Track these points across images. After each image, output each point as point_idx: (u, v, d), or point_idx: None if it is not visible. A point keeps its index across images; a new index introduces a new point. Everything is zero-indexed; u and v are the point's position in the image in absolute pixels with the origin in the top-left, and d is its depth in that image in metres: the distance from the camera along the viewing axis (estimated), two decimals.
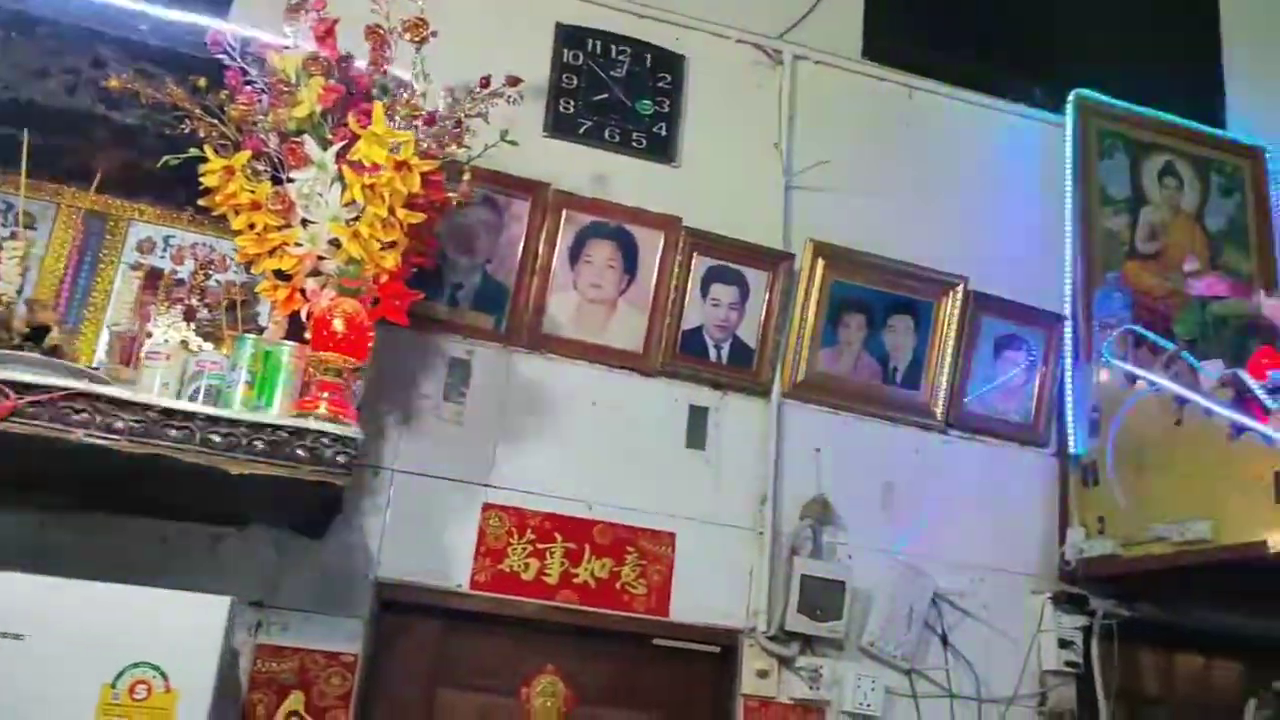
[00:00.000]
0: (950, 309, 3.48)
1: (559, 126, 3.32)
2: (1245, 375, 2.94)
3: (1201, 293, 3.49)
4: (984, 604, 3.33)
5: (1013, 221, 3.72)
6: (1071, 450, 3.49)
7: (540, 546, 2.99)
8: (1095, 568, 3.30)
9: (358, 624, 2.79)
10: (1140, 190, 3.89)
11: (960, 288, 3.49)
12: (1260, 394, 2.87)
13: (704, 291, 3.28)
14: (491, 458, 3.03)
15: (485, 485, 3.01)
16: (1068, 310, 3.62)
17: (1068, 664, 3.28)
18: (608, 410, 3.16)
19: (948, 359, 3.46)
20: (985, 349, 3.54)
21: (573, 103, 3.35)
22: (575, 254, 3.19)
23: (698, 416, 3.23)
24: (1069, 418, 3.51)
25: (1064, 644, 3.30)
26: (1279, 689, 3.48)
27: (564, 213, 3.18)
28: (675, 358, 3.23)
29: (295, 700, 2.69)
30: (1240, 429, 2.89)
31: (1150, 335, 3.35)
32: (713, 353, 3.28)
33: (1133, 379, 3.31)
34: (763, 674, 3.05)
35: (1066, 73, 3.92)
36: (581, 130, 3.34)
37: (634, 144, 3.38)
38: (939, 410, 3.44)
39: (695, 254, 3.27)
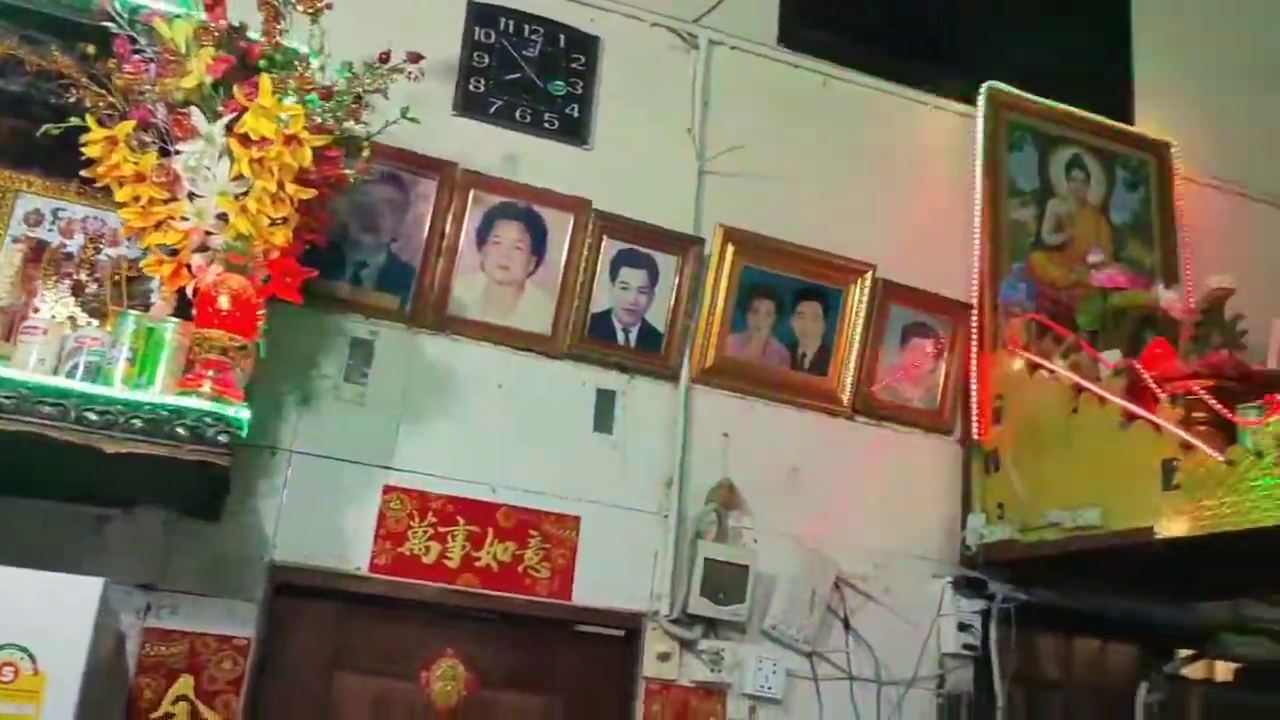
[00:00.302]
0: (859, 296, 3.51)
1: (469, 105, 3.28)
2: (1138, 366, 3.00)
3: (1103, 284, 3.56)
4: (886, 588, 3.37)
5: (923, 210, 3.76)
6: (974, 437, 3.54)
7: (442, 529, 2.97)
8: (994, 553, 3.35)
9: (251, 607, 2.75)
10: (1048, 182, 3.95)
11: (869, 275, 3.52)
12: (1151, 384, 2.93)
13: (613, 275, 3.27)
14: (393, 439, 2.99)
15: (386, 467, 2.97)
16: (975, 299, 3.66)
17: (966, 647, 3.34)
18: (513, 393, 3.14)
19: (855, 345, 3.50)
20: (893, 336, 3.58)
21: (483, 81, 3.31)
22: (483, 235, 3.16)
23: (605, 400, 3.22)
24: (973, 405, 3.57)
25: (963, 627, 3.35)
26: (1170, 672, 3.57)
27: (472, 193, 3.15)
28: (583, 341, 3.21)
29: (184, 684, 2.64)
30: (1132, 417, 2.95)
31: (1052, 324, 3.40)
32: (621, 336, 3.27)
33: (1034, 367, 3.37)
34: (664, 657, 3.06)
35: (980, 65, 3.97)
36: (492, 110, 3.30)
37: (545, 125, 3.35)
38: (846, 396, 3.48)
39: (605, 237, 3.26)
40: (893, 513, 3.46)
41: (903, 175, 3.79)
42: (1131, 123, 4.18)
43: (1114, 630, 3.61)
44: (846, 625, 3.28)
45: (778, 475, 3.35)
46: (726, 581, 3.11)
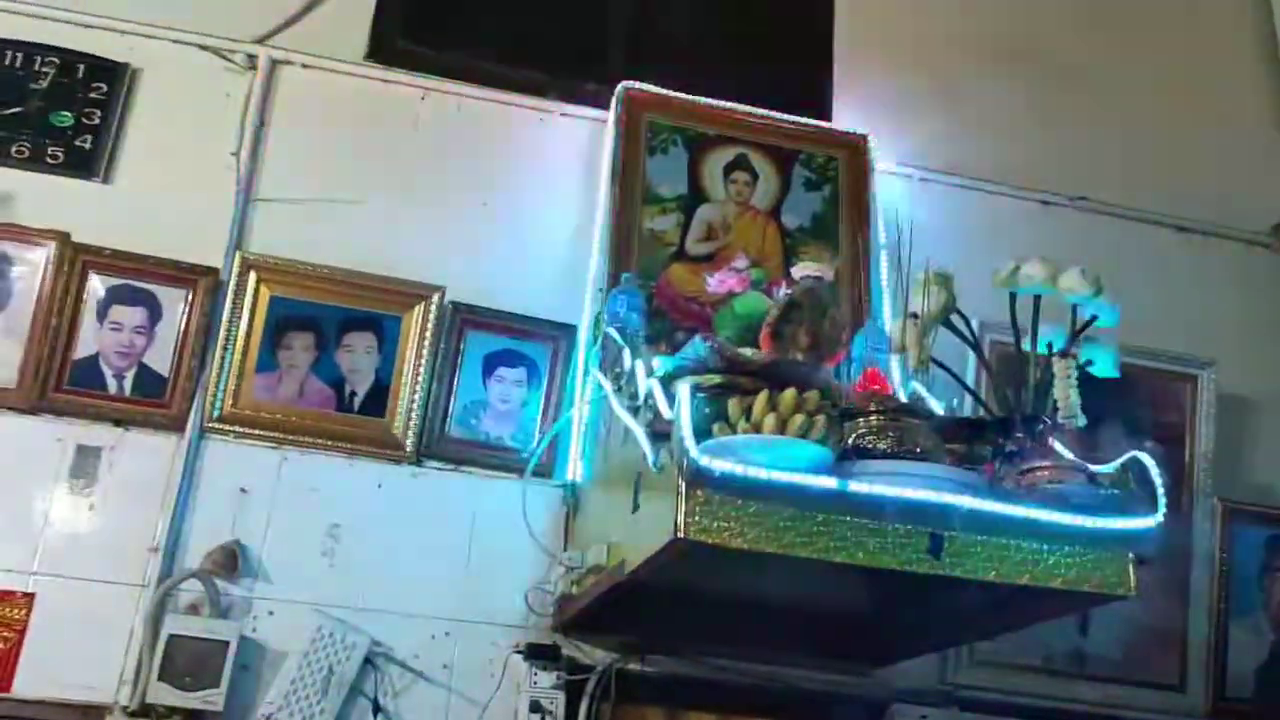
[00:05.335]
0: (421, 323, 3.05)
1: None
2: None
3: (716, 289, 3.05)
4: (445, 663, 2.82)
5: (538, 227, 3.31)
6: (573, 478, 3.00)
7: None
8: (565, 610, 2.78)
9: None
10: (699, 187, 3.45)
11: (435, 299, 3.07)
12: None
13: (101, 315, 2.89)
14: None
15: None
16: (587, 320, 3.16)
17: None
18: None
19: (420, 380, 3.02)
20: (473, 367, 3.09)
21: None
22: None
23: (86, 457, 2.80)
24: (574, 441, 3.03)
25: (535, 708, 2.77)
26: None
27: None
28: (60, 391, 2.81)
29: None
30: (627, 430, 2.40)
31: (617, 337, 2.84)
32: (113, 384, 2.86)
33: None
34: None
35: (629, 69, 3.54)
36: None
37: (49, 159, 3.03)
38: (410, 440, 2.98)
39: (91, 273, 2.89)
40: (466, 574, 2.92)
41: (518, 191, 3.34)
42: (828, 118, 3.68)
43: (748, 704, 2.96)
44: (376, 709, 2.73)
45: (310, 535, 2.86)
46: (197, 661, 2.60)
